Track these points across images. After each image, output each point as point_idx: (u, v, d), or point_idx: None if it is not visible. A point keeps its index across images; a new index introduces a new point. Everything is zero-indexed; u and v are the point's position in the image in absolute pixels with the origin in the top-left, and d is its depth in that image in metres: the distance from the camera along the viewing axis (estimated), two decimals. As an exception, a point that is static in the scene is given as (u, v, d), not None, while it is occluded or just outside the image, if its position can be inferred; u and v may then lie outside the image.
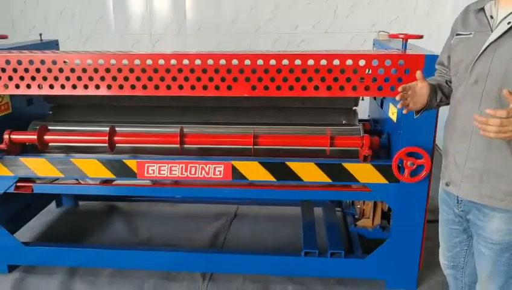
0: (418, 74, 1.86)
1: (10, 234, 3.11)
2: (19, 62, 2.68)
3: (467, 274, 2.17)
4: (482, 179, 1.80)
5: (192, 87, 2.65)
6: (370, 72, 2.58)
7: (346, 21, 5.67)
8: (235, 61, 2.60)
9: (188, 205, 4.13)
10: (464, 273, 2.18)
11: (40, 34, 3.68)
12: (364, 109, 3.71)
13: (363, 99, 3.38)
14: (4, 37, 3.04)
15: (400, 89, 1.83)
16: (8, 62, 2.68)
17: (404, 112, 1.91)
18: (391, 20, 5.60)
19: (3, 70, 2.69)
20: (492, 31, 1.71)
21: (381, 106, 3.20)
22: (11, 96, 3.08)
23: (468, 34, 1.81)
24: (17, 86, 2.73)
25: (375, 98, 3.47)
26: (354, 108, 3.23)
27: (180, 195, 3.49)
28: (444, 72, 2.05)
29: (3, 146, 2.86)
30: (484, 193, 1.81)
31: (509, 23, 1.65)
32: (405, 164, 2.66)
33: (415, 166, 2.66)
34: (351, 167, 2.76)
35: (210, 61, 2.61)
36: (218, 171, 2.82)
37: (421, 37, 2.75)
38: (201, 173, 2.83)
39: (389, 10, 5.59)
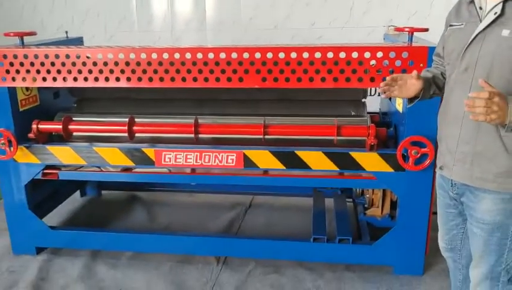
0: (414, 73, 1.96)
1: (38, 219, 3.32)
2: (46, 56, 2.88)
3: (464, 256, 2.26)
4: (473, 162, 1.89)
5: (206, 79, 2.81)
6: (375, 63, 2.69)
7: (363, 17, 5.73)
8: (246, 55, 2.74)
9: (205, 195, 4.30)
10: (461, 255, 2.27)
11: (66, 32, 3.90)
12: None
13: (379, 95, 3.47)
14: (32, 33, 3.25)
15: (388, 78, 1.94)
16: (36, 56, 2.89)
17: (383, 96, 2.01)
18: (409, 15, 5.64)
19: (32, 64, 2.90)
20: (481, 21, 1.81)
21: (390, 99, 3.29)
22: (39, 89, 3.30)
23: (460, 25, 1.92)
24: (44, 79, 2.94)
25: (385, 91, 3.56)
26: (363, 100, 3.33)
27: (195, 182, 3.64)
28: (440, 62, 2.15)
29: (31, 135, 3.07)
30: (475, 176, 1.90)
31: (495, 13, 1.75)
32: (409, 152, 2.76)
33: (419, 155, 2.75)
34: (358, 155, 2.87)
35: (222, 55, 2.76)
36: (231, 159, 2.97)
37: (426, 30, 2.85)
38: (214, 161, 2.99)
39: (406, 5, 5.63)
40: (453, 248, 2.27)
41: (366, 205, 3.56)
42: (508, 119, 1.63)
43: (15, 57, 2.90)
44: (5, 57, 2.91)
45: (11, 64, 2.92)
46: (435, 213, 2.89)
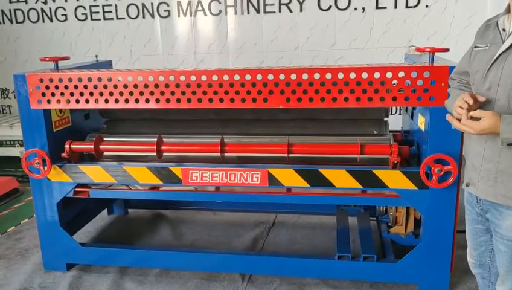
0: (483, 99, 1.92)
1: (69, 236, 3.43)
2: (80, 79, 3.02)
3: (493, 273, 2.26)
4: (497, 179, 1.93)
5: (232, 100, 2.90)
6: (397, 83, 2.74)
7: (382, 38, 5.82)
8: (270, 76, 2.83)
9: (229, 213, 4.37)
10: (490, 272, 2.28)
11: (96, 56, 4.08)
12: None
13: (400, 113, 3.52)
14: (66, 58, 3.41)
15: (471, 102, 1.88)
16: (70, 80, 3.03)
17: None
18: (429, 35, 5.70)
19: (66, 87, 3.04)
20: (503, 43, 1.86)
21: (412, 118, 3.34)
22: (71, 111, 3.44)
23: (485, 47, 1.98)
24: (78, 101, 3.07)
25: (406, 110, 3.61)
26: (385, 119, 3.38)
27: (221, 200, 3.70)
28: (466, 81, 2.16)
29: (64, 155, 3.20)
30: (499, 193, 1.94)
31: (516, 35, 1.81)
32: (433, 170, 2.79)
33: (442, 172, 2.78)
34: (381, 173, 2.91)
35: (248, 76, 2.86)
36: (256, 177, 3.04)
37: (447, 50, 2.90)
38: (240, 180, 3.05)
39: (426, 26, 5.70)
40: (482, 265, 2.28)
41: (389, 223, 3.57)
42: (501, 136, 1.76)
43: (50, 80, 3.05)
44: (41, 81, 3.06)
45: (47, 87, 3.06)
46: (460, 231, 2.91)
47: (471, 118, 1.84)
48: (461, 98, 1.89)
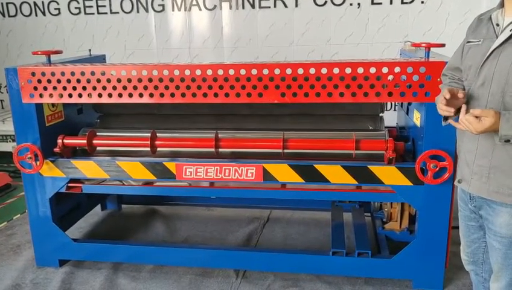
0: (461, 94, 1.91)
1: (62, 231, 3.39)
2: (72, 73, 2.98)
3: (486, 270, 2.26)
4: (489, 175, 1.92)
5: (226, 95, 2.88)
6: (393, 78, 2.73)
7: (378, 33, 5.80)
8: (265, 71, 2.81)
9: (223, 209, 4.35)
10: (483, 269, 2.28)
11: (89, 50, 4.03)
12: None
13: (395, 110, 3.50)
14: (59, 52, 3.37)
15: (447, 96, 1.88)
16: (62, 74, 2.99)
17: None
18: (424, 31, 5.69)
19: (59, 81, 3.00)
20: (497, 38, 1.85)
21: (407, 113, 3.33)
22: (64, 105, 3.40)
23: (478, 41, 1.96)
24: (70, 95, 3.03)
25: (401, 106, 3.60)
26: (380, 115, 3.37)
27: (215, 195, 3.68)
28: (457, 76, 2.15)
29: (57, 149, 3.16)
30: (492, 189, 1.93)
31: (511, 30, 1.79)
32: (428, 166, 2.78)
33: (438, 168, 2.77)
34: (376, 169, 2.90)
35: (242, 71, 2.83)
36: (250, 173, 3.02)
37: (443, 45, 2.89)
38: (234, 175, 3.04)
39: (421, 22, 5.69)
40: (475, 261, 2.28)
41: (384, 219, 3.57)
42: (500, 133, 1.74)
43: (43, 74, 3.01)
44: (33, 74, 3.02)
45: (39, 81, 3.02)
46: (454, 227, 2.91)
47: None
48: (441, 94, 1.90)
